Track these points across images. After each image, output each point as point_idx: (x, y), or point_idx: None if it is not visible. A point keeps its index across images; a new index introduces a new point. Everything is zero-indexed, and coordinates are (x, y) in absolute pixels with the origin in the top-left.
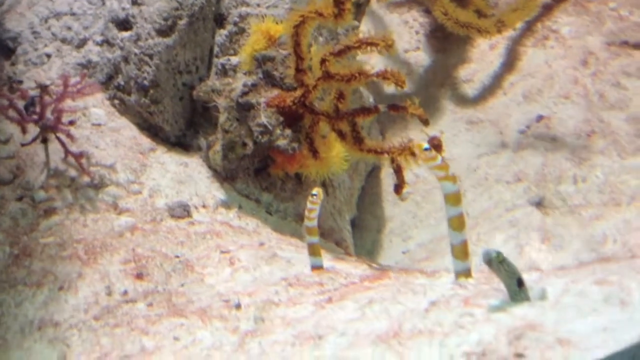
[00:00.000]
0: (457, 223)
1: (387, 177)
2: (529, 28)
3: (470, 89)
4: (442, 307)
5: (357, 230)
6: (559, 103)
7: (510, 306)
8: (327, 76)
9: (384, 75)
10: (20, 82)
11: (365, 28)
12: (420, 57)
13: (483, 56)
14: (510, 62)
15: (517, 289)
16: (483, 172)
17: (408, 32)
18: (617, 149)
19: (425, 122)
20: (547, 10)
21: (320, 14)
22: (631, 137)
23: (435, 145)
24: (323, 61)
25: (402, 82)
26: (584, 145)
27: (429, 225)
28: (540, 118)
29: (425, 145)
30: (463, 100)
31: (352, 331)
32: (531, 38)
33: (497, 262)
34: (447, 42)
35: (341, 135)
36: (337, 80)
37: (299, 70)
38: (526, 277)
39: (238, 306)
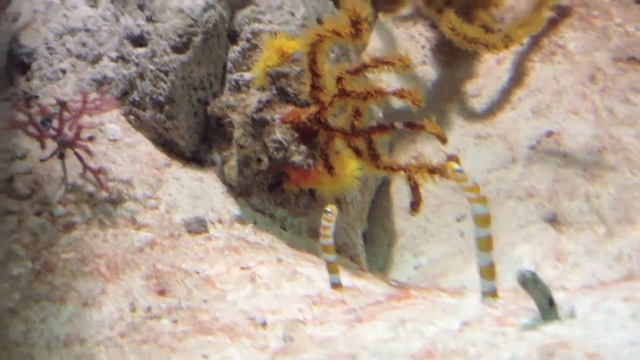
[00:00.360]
0: (486, 244)
1: (397, 192)
2: (535, 43)
3: (478, 104)
4: (474, 326)
5: (368, 245)
6: (568, 119)
7: (541, 324)
8: (343, 93)
9: (400, 94)
10: (36, 97)
11: (373, 42)
12: (427, 72)
13: (490, 71)
14: (517, 77)
15: (548, 308)
16: (494, 188)
17: (414, 47)
18: (628, 165)
19: (444, 141)
20: (552, 25)
21: (338, 34)
22: None
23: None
24: (339, 79)
25: (418, 101)
26: (595, 161)
27: (441, 240)
28: (550, 133)
29: (457, 166)
30: (471, 115)
31: (386, 351)
32: (538, 53)
33: (531, 282)
34: (454, 57)
35: (357, 152)
36: (353, 97)
37: (314, 88)
38: (555, 296)
39: (264, 324)
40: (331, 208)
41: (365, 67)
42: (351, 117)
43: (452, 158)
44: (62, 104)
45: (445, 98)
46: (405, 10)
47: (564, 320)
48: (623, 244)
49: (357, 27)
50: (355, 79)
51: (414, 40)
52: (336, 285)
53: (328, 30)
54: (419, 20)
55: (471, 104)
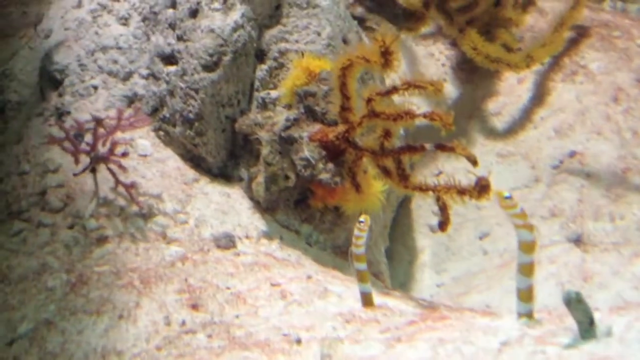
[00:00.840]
0: (528, 270)
1: (417, 208)
2: (556, 63)
3: (499, 122)
4: (514, 346)
5: (389, 261)
6: (591, 139)
7: (580, 343)
8: (373, 114)
9: (431, 117)
10: (68, 112)
11: None
12: (448, 89)
13: (511, 90)
14: (539, 97)
15: (588, 327)
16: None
17: (434, 64)
18: None
19: (474, 163)
20: (573, 45)
21: (368, 61)
22: None
23: (484, 185)
24: (369, 100)
25: (449, 125)
26: (620, 182)
27: (463, 259)
28: (573, 153)
29: (507, 193)
30: (493, 133)
31: None
32: (559, 73)
33: (575, 302)
34: (474, 75)
35: (386, 172)
36: (383, 118)
37: (344, 109)
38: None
39: (299, 341)
40: (364, 217)
41: (396, 90)
42: (381, 138)
43: (482, 180)
44: (97, 121)
45: (466, 116)
46: (425, 29)
47: (602, 338)
48: None
49: (388, 57)
50: (385, 100)
51: (433, 58)
52: (366, 294)
53: (359, 57)
54: (439, 39)
55: (492, 122)
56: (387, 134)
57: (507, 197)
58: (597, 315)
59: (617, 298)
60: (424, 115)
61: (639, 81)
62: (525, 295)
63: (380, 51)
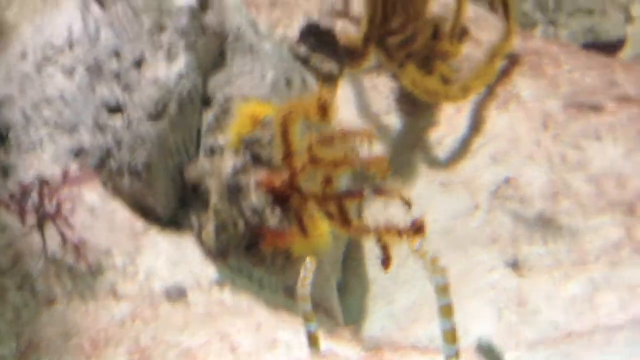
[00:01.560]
0: (447, 311)
1: (368, 240)
2: (491, 92)
3: (441, 151)
4: None
5: (342, 293)
6: (524, 165)
7: None
8: (314, 161)
9: (367, 165)
10: (15, 167)
11: (341, 92)
12: (392, 121)
13: (450, 120)
14: (476, 125)
15: None
16: (459, 234)
17: (379, 97)
18: (580, 209)
19: (409, 205)
20: (506, 73)
21: (307, 112)
22: (592, 197)
23: (418, 227)
24: (309, 147)
25: (384, 172)
26: (551, 206)
27: (412, 288)
28: (508, 180)
29: (417, 244)
30: (435, 163)
31: None
32: (494, 101)
33: (487, 350)
34: (416, 106)
35: (329, 215)
36: (323, 165)
37: (286, 155)
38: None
39: None
40: (311, 260)
41: (333, 138)
42: (322, 184)
43: (417, 222)
44: (42, 182)
45: (410, 146)
46: (368, 64)
47: None
48: (577, 287)
49: (324, 111)
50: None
51: (377, 91)
52: (312, 334)
53: (298, 107)
54: (382, 72)
55: (434, 152)
56: (327, 180)
57: (417, 247)
58: (513, 355)
59: (548, 325)
60: (361, 163)
61: (566, 107)
62: (450, 336)
63: (317, 105)
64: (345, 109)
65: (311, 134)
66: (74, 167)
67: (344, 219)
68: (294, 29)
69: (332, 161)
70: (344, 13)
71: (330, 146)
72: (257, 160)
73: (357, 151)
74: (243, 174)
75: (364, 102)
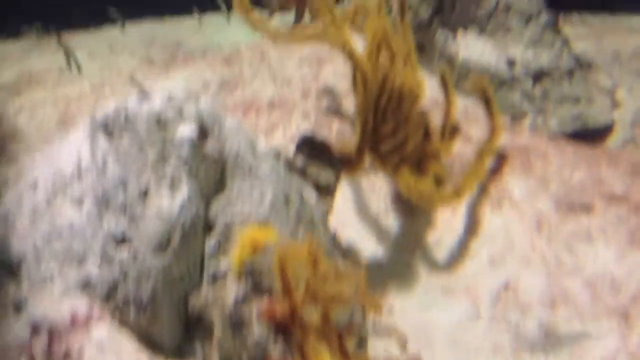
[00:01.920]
0: None
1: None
2: (484, 191)
3: (440, 254)
4: None
5: None
6: (521, 269)
7: None
8: (311, 297)
9: (362, 302)
10: (27, 301)
11: (341, 193)
12: (390, 223)
13: (447, 220)
14: (472, 227)
15: None
16: (464, 342)
17: (376, 198)
18: (578, 317)
19: (404, 345)
20: (497, 172)
21: (297, 259)
22: (589, 304)
23: None
24: (307, 283)
25: (379, 309)
26: (550, 314)
27: None
28: (507, 285)
29: None
30: (435, 267)
31: None
32: (488, 201)
33: None
34: (413, 207)
35: (331, 348)
36: (320, 301)
37: (285, 291)
38: None
39: None
40: None
41: (328, 276)
42: (320, 319)
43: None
44: (51, 328)
45: (409, 249)
46: (363, 169)
47: None
48: None
49: (315, 261)
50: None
51: (375, 193)
52: None
53: (292, 254)
54: (379, 173)
55: (433, 255)
56: (325, 315)
57: None
58: None
59: None
60: (357, 301)
61: (557, 207)
62: None
63: (309, 253)
64: (344, 210)
65: (307, 270)
66: (82, 304)
67: (343, 353)
68: (292, 130)
69: (327, 298)
70: (339, 113)
71: (327, 282)
72: (257, 288)
73: (353, 286)
74: (245, 304)
75: (362, 204)
